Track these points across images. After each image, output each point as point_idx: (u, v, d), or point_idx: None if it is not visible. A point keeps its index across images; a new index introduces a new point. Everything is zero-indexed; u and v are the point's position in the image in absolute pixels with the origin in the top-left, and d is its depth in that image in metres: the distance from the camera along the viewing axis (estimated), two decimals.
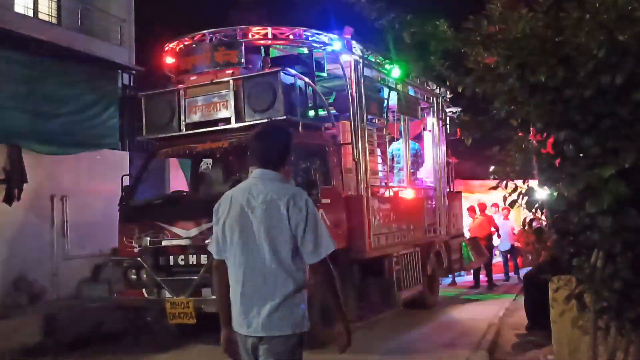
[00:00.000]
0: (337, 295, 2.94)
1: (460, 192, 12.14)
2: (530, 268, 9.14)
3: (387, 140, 9.04)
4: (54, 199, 9.51)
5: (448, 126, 10.38)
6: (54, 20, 13.34)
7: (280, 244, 2.75)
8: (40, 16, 13.05)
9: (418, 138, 10.70)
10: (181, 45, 7.92)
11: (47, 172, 9.54)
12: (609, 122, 3.23)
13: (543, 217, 3.71)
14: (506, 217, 13.06)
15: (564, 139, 3.35)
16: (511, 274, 13.24)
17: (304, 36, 7.64)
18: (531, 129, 3.74)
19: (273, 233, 2.75)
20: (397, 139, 9.85)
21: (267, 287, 2.75)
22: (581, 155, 3.33)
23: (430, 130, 10.60)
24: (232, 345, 2.92)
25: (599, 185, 3.11)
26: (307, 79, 7.50)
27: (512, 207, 3.79)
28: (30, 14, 12.83)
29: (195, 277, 6.42)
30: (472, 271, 12.46)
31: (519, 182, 3.74)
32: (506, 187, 3.69)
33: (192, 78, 7.64)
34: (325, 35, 7.71)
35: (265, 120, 6.88)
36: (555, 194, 3.48)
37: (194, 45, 7.75)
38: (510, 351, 6.56)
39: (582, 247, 3.46)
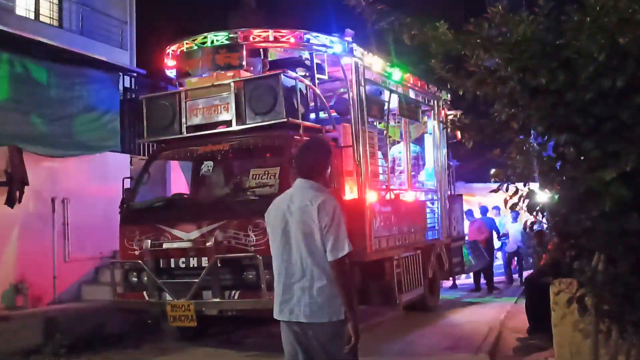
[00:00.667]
0: (349, 294, 3.19)
1: (461, 195, 12.14)
2: (531, 271, 9.14)
3: (388, 142, 9.05)
4: (55, 201, 9.51)
5: (449, 129, 10.37)
6: (55, 23, 13.40)
7: (314, 243, 3.17)
8: (42, 18, 13.11)
9: (419, 141, 10.70)
10: (182, 48, 7.93)
11: (48, 174, 9.54)
12: (610, 125, 3.23)
13: (544, 220, 3.71)
14: (515, 220, 13.03)
15: (564, 142, 3.35)
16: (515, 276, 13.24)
17: (305, 39, 7.64)
18: (532, 132, 3.74)
19: (308, 234, 3.18)
20: (398, 142, 9.85)
21: (305, 281, 3.17)
22: (582, 158, 3.33)
23: (431, 133, 10.61)
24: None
25: (600, 188, 3.11)
26: (308, 82, 7.52)
27: (512, 210, 3.78)
28: (32, 16, 12.88)
29: (196, 280, 6.41)
30: (472, 274, 12.44)
31: (520, 185, 3.74)
32: (507, 190, 3.68)
33: (193, 80, 7.66)
34: (326, 38, 7.71)
35: (266, 123, 6.93)
36: (556, 196, 3.48)
37: (195, 48, 7.76)
38: (511, 354, 6.55)
39: (583, 250, 3.45)
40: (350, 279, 3.27)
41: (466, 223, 12.79)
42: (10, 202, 8.65)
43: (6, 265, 8.73)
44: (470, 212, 13.02)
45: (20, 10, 12.67)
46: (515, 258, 13.36)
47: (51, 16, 13.45)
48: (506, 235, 13.25)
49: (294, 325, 3.20)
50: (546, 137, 3.55)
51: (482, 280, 12.29)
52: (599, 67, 3.19)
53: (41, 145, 9.36)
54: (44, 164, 9.45)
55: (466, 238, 11.98)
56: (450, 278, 11.76)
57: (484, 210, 13.23)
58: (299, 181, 3.38)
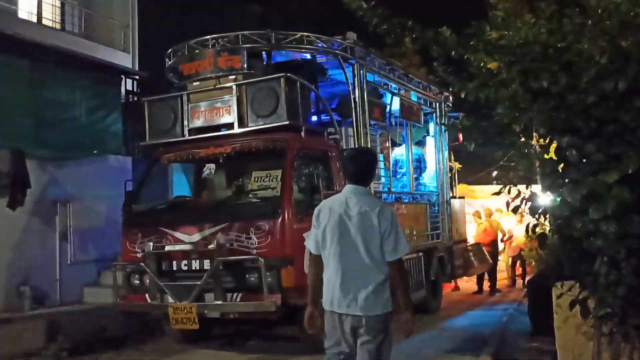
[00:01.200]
0: (407, 288, 3.71)
1: (463, 198, 12.12)
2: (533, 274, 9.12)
3: (389, 145, 9.04)
4: (57, 204, 9.52)
5: (450, 131, 10.38)
6: (58, 26, 13.42)
7: (372, 245, 3.51)
8: (44, 22, 13.13)
9: (421, 143, 10.70)
10: (184, 51, 7.94)
11: (50, 177, 9.55)
12: (612, 128, 3.24)
13: (546, 223, 3.71)
14: (520, 222, 12.99)
15: (567, 145, 3.36)
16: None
17: (307, 41, 7.65)
18: (534, 134, 3.74)
19: (367, 237, 3.51)
20: (400, 145, 9.85)
21: (362, 278, 3.50)
22: (584, 161, 3.33)
23: (432, 136, 10.60)
24: (315, 320, 3.69)
25: (602, 191, 3.12)
26: (309, 85, 7.52)
27: (515, 213, 3.79)
28: (34, 19, 12.91)
29: (199, 283, 6.41)
30: (475, 277, 12.41)
31: (522, 188, 3.75)
32: (509, 192, 3.69)
33: (195, 83, 7.66)
34: (328, 41, 7.72)
35: (268, 126, 6.94)
36: (558, 199, 3.48)
37: (196, 51, 7.77)
38: (514, 357, 6.54)
39: (586, 253, 3.46)
40: (408, 275, 3.75)
41: (473, 225, 12.78)
42: (13, 205, 8.66)
43: (9, 267, 8.74)
44: (477, 214, 12.98)
45: (22, 14, 12.70)
46: (519, 261, 13.31)
47: (53, 19, 13.48)
48: (510, 237, 13.22)
49: (349, 317, 3.50)
50: (548, 139, 3.55)
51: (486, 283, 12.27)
52: (600, 70, 3.20)
53: (43, 148, 9.37)
54: (46, 167, 9.46)
55: (471, 240, 11.97)
56: (452, 280, 11.73)
57: (488, 213, 13.19)
58: (350, 187, 3.69)
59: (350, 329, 3.51)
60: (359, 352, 3.48)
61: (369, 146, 7.89)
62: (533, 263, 12.42)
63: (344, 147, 7.81)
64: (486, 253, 11.74)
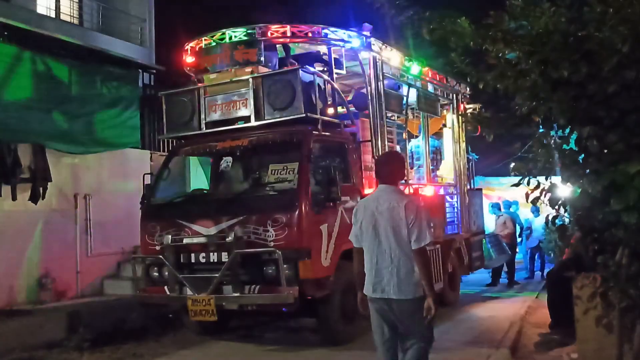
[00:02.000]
0: (429, 275, 4.03)
1: (480, 189, 12.04)
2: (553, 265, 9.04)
3: (406, 137, 9.00)
4: (77, 198, 9.64)
5: (468, 123, 10.29)
6: (76, 21, 13.56)
7: (401, 236, 3.96)
8: (62, 17, 13.27)
9: (438, 135, 10.63)
10: (201, 44, 7.96)
11: (70, 171, 9.67)
12: (634, 117, 3.19)
13: (566, 214, 3.67)
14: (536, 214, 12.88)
15: (587, 135, 3.32)
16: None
17: (323, 34, 7.63)
18: (554, 125, 3.70)
19: (396, 229, 3.96)
20: (417, 136, 9.80)
21: (394, 265, 3.95)
22: (605, 151, 3.29)
23: (450, 127, 10.53)
24: (364, 302, 4.16)
25: (624, 181, 3.08)
26: (326, 77, 7.50)
27: (534, 204, 3.75)
28: (52, 14, 13.05)
29: (217, 275, 6.46)
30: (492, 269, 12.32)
31: (542, 179, 3.71)
32: (528, 184, 3.66)
33: (211, 77, 7.68)
34: (344, 33, 7.69)
35: (285, 118, 6.95)
36: (578, 190, 3.45)
37: (213, 44, 7.79)
38: (533, 350, 6.50)
39: (607, 245, 3.42)
40: (430, 263, 4.20)
41: (492, 217, 12.69)
42: (34, 198, 8.79)
43: (31, 260, 8.88)
44: (497, 206, 12.88)
45: (41, 9, 12.84)
46: (538, 253, 13.21)
47: (72, 14, 13.61)
48: (530, 229, 13.12)
49: (384, 302, 3.99)
50: (568, 130, 3.52)
51: (503, 275, 12.19)
52: (622, 59, 3.15)
53: (63, 143, 9.48)
54: (66, 161, 9.57)
55: (489, 231, 11.87)
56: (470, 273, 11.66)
57: (506, 204, 13.09)
58: (381, 186, 4.21)
59: (388, 312, 4.00)
60: (399, 332, 4.00)
61: (385, 137, 7.87)
62: (552, 255, 12.35)
63: (361, 140, 7.80)
64: (505, 245, 11.66)
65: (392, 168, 4.26)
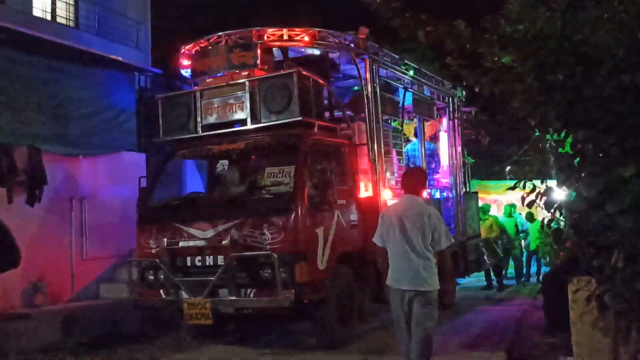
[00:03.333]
0: (449, 271, 5.16)
1: (476, 193, 12.05)
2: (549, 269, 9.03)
3: (402, 140, 9.02)
4: (73, 201, 9.61)
5: (464, 126, 10.33)
6: (72, 24, 13.52)
7: (425, 238, 4.65)
8: (58, 20, 13.23)
9: (434, 138, 10.65)
10: (197, 48, 7.97)
11: (66, 174, 9.64)
12: (629, 121, 3.20)
13: (562, 218, 3.68)
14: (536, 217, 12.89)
15: (583, 139, 3.33)
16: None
17: (319, 37, 7.64)
18: (549, 128, 3.71)
19: (420, 232, 4.65)
20: (413, 140, 9.81)
21: (418, 262, 4.64)
22: (601, 154, 3.30)
23: (446, 131, 10.55)
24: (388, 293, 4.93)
25: (619, 185, 3.09)
26: (322, 80, 7.51)
27: (530, 208, 3.76)
28: (48, 17, 13.01)
29: (212, 278, 6.44)
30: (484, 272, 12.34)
31: (537, 182, 3.72)
32: (524, 187, 3.66)
33: (208, 80, 7.68)
34: (341, 36, 7.70)
35: (281, 122, 6.94)
36: (574, 194, 3.45)
37: (209, 47, 7.79)
38: (529, 353, 6.50)
39: (602, 248, 3.43)
40: (448, 262, 5.07)
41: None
42: (31, 201, 8.77)
43: (25, 263, 8.72)
44: (481, 209, 12.88)
45: (37, 12, 12.81)
46: (535, 256, 13.23)
47: (67, 17, 13.57)
48: (525, 232, 13.14)
49: (408, 292, 4.66)
50: (564, 133, 3.52)
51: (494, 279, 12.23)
52: (617, 63, 3.16)
53: (59, 145, 9.46)
54: (61, 164, 9.55)
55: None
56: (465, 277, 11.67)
57: (507, 210, 13.10)
58: (407, 196, 4.96)
59: (408, 301, 4.67)
60: (413, 317, 4.65)
61: (382, 141, 7.89)
62: (547, 258, 12.35)
63: (357, 143, 7.81)
64: (497, 248, 11.69)
65: (417, 181, 5.04)
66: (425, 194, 7.44)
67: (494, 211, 13.46)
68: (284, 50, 8.02)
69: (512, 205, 13.08)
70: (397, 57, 8.68)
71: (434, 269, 4.65)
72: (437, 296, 4.72)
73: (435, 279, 4.66)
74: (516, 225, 12.90)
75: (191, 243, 6.75)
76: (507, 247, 12.47)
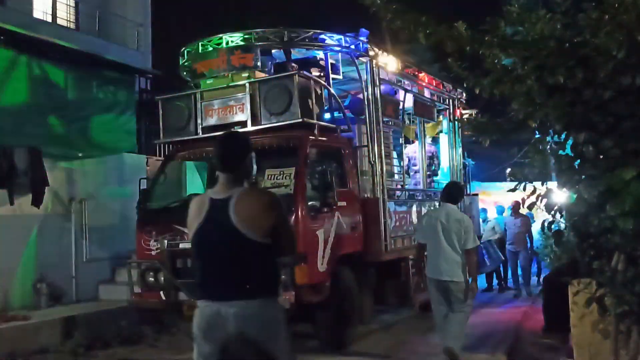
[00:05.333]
0: (474, 267, 5.87)
1: (477, 194, 12.05)
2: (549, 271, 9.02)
3: (402, 142, 9.01)
4: (73, 202, 9.61)
5: (464, 128, 10.31)
6: (72, 25, 13.55)
7: (457, 239, 5.79)
8: (59, 21, 13.27)
9: (434, 140, 10.64)
10: (197, 49, 7.96)
11: (66, 175, 9.64)
12: (630, 123, 3.20)
13: (562, 220, 3.68)
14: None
15: (583, 141, 3.32)
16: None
17: (320, 39, 7.64)
18: (550, 130, 3.71)
19: (457, 234, 5.78)
20: (413, 142, 9.81)
21: (453, 257, 5.77)
22: (601, 157, 3.30)
23: (446, 133, 10.55)
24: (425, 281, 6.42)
25: (619, 187, 3.08)
26: (322, 82, 7.51)
27: (530, 210, 3.76)
28: (49, 19, 13.04)
29: None
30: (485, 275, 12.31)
31: (538, 184, 3.71)
32: (525, 189, 3.66)
33: (208, 81, 7.68)
34: (341, 38, 7.70)
35: (282, 123, 6.93)
36: (574, 196, 3.45)
37: (210, 49, 7.79)
38: (529, 355, 6.50)
39: (603, 250, 3.42)
40: (474, 259, 5.89)
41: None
42: (37, 202, 8.78)
43: (26, 265, 8.84)
44: (485, 212, 12.89)
45: (37, 13, 12.83)
46: (535, 258, 13.18)
47: (68, 19, 13.60)
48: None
49: (443, 282, 5.77)
50: (564, 135, 3.52)
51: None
52: (618, 65, 3.16)
53: (59, 147, 9.46)
54: (61, 166, 9.55)
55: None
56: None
57: (500, 210, 13.08)
58: (447, 205, 6.05)
59: (443, 289, 5.78)
60: (448, 303, 5.76)
61: (382, 143, 7.88)
62: (548, 260, 12.32)
63: (357, 145, 7.80)
64: (497, 249, 11.66)
65: (456, 193, 6.21)
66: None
67: (492, 213, 13.42)
68: (284, 51, 8.01)
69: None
70: (398, 59, 8.68)
71: (463, 263, 5.75)
72: (466, 286, 5.73)
73: (464, 272, 5.75)
74: None
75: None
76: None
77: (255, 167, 3.26)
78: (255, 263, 2.94)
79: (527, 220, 11.59)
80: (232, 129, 7.07)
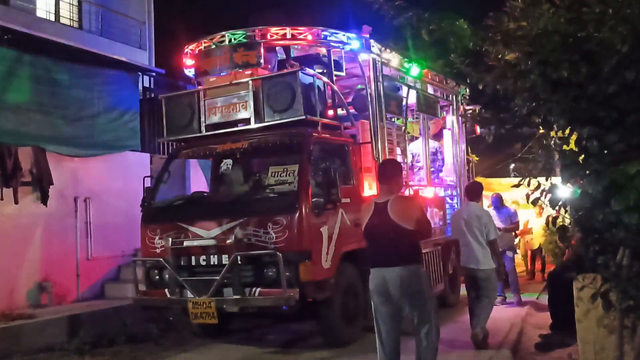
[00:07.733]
0: (498, 254, 6.77)
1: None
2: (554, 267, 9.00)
3: (406, 138, 9.01)
4: (77, 201, 9.64)
5: (468, 124, 10.30)
6: (75, 24, 13.57)
7: (482, 232, 6.58)
8: (62, 20, 13.28)
9: (438, 136, 10.63)
10: (200, 47, 7.96)
11: (70, 174, 9.68)
12: (634, 117, 3.18)
13: (567, 215, 3.67)
14: (539, 215, 12.82)
15: (587, 136, 3.31)
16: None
17: (323, 36, 7.63)
18: (554, 125, 3.69)
19: (479, 228, 6.58)
20: (417, 138, 9.80)
21: (479, 248, 6.56)
22: (605, 151, 3.29)
23: (450, 129, 10.53)
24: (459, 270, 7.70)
25: (624, 181, 3.07)
26: (325, 79, 7.50)
27: (534, 205, 3.74)
28: (52, 18, 13.06)
29: (217, 277, 6.45)
30: None
31: (542, 180, 3.70)
32: (529, 184, 3.65)
33: (211, 79, 7.69)
34: (344, 35, 7.69)
35: (285, 120, 6.94)
36: (579, 191, 3.43)
37: (213, 47, 7.79)
38: (534, 351, 6.49)
39: (608, 245, 3.41)
40: (497, 249, 6.76)
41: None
42: (44, 200, 8.82)
43: (31, 264, 8.88)
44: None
45: (40, 12, 12.85)
46: (538, 254, 13.17)
47: (71, 18, 13.62)
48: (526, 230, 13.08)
49: (470, 270, 6.61)
50: (568, 130, 3.51)
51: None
52: (622, 59, 3.15)
53: (63, 146, 9.49)
54: (66, 164, 9.58)
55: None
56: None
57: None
58: (470, 203, 6.94)
59: (472, 276, 6.62)
60: (477, 288, 6.59)
61: (385, 139, 7.88)
62: (552, 256, 12.29)
63: (361, 141, 7.80)
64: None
65: (476, 192, 7.10)
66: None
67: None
68: (286, 49, 8.01)
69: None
70: (401, 55, 8.66)
71: (489, 253, 6.54)
72: (494, 273, 6.56)
73: (490, 260, 6.54)
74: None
75: (196, 242, 6.77)
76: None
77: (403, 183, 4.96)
78: (407, 242, 4.57)
79: (513, 215, 10.27)
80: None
